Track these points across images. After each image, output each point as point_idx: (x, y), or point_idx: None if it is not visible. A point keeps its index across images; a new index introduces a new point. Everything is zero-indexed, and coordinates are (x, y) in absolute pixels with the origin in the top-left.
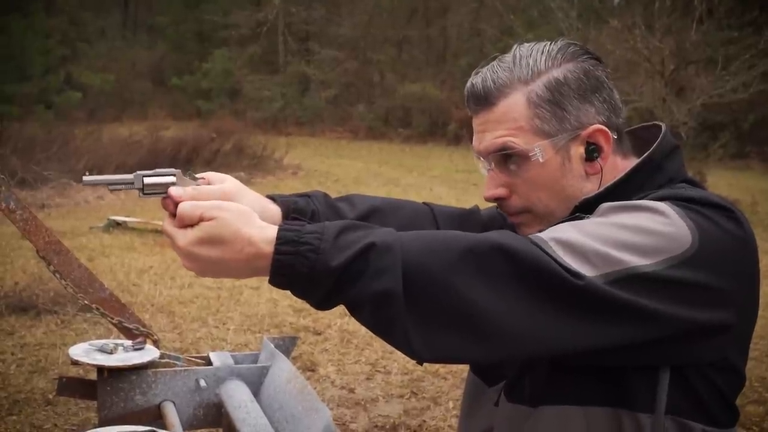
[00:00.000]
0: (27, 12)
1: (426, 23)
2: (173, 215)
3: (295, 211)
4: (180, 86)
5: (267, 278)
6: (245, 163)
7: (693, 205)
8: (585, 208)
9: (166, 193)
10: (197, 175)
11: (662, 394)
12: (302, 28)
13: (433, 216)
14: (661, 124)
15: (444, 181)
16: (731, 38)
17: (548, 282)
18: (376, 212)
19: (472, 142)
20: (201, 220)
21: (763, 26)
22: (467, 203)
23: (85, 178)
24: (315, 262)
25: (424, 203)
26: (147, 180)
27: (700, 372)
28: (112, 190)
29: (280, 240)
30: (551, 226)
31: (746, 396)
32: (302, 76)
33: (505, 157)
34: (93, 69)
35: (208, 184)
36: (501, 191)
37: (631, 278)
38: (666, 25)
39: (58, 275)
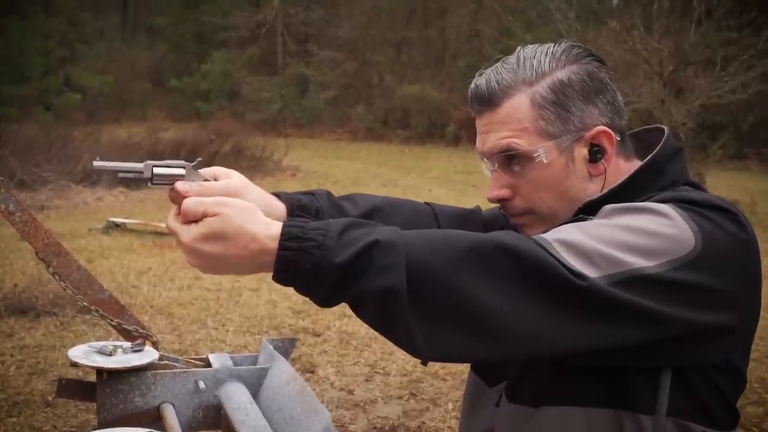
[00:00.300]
0: (26, 13)
1: (425, 24)
2: (178, 209)
3: (300, 207)
4: (179, 88)
5: (270, 275)
6: (244, 165)
7: (696, 207)
8: (588, 210)
9: (173, 183)
10: (204, 170)
11: (663, 396)
12: (301, 30)
13: (434, 215)
14: (663, 127)
15: (443, 182)
16: (730, 39)
17: (551, 282)
18: (377, 211)
19: (471, 143)
20: (205, 216)
21: (762, 27)
22: (466, 204)
23: (95, 162)
24: (320, 258)
25: (425, 203)
26: (157, 170)
27: (702, 374)
28: (121, 178)
29: (285, 236)
30: (554, 227)
31: (746, 397)
32: (301, 78)
33: (509, 158)
34: (92, 70)
35: (215, 179)
36: (504, 192)
37: (635, 280)
38: (665, 26)
39: (57, 277)
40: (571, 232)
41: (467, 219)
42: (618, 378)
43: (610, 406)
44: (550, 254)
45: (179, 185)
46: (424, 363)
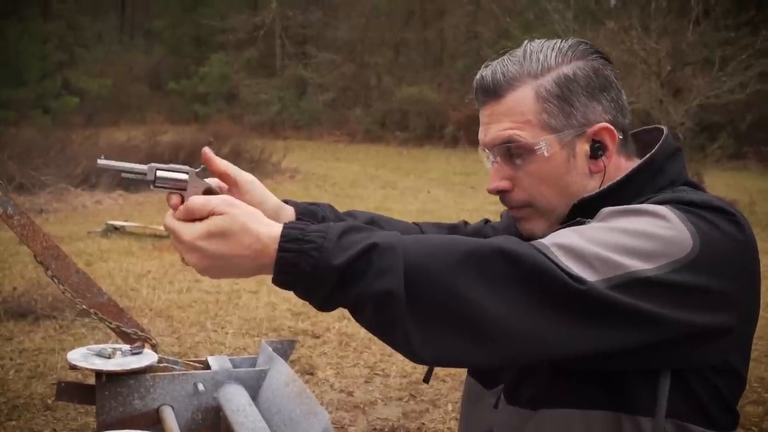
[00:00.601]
0: (23, 17)
1: (423, 26)
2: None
3: (307, 213)
4: (177, 90)
5: (270, 278)
6: (243, 167)
7: (694, 208)
8: (585, 207)
9: (175, 188)
10: (210, 180)
11: (662, 397)
12: (299, 32)
13: (421, 233)
14: (662, 127)
15: (441, 183)
16: (728, 39)
17: (550, 286)
18: (374, 224)
19: (470, 145)
20: (211, 214)
21: (760, 26)
22: (465, 206)
23: (99, 161)
24: (318, 260)
25: (413, 223)
26: (160, 173)
27: (701, 375)
28: (123, 177)
29: (285, 237)
30: (551, 221)
31: (745, 396)
32: (299, 80)
33: (510, 150)
34: (90, 74)
35: (219, 186)
36: (504, 184)
37: (633, 283)
38: (662, 26)
39: (56, 280)
40: (568, 236)
41: (453, 233)
42: (617, 380)
43: (609, 408)
44: (549, 258)
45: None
46: (426, 380)
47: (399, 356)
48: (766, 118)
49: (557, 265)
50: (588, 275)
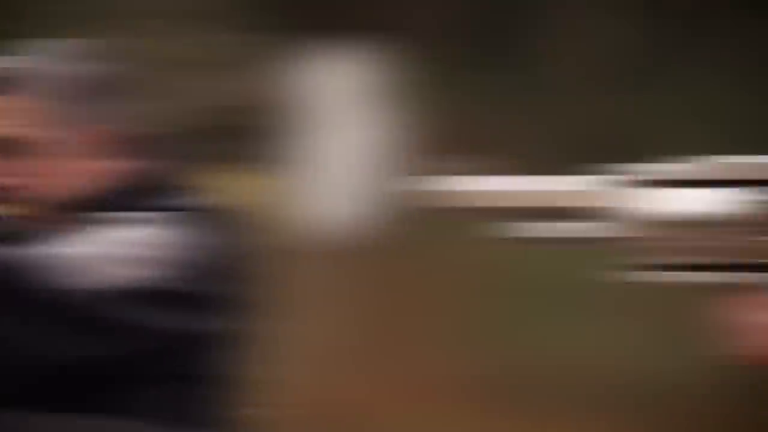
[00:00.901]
0: None
1: None
2: None
3: None
4: None
5: None
6: None
7: (185, 213)
8: (81, 208)
9: None
10: None
11: (164, 403)
12: None
13: None
14: (166, 129)
15: None
16: (229, 40)
17: (43, 296)
18: None
19: None
20: None
21: (265, 28)
22: None
23: None
24: None
25: None
26: None
27: (197, 381)
28: None
29: None
30: (49, 219)
31: (250, 400)
32: None
33: (11, 145)
34: None
35: None
36: (2, 179)
37: (122, 292)
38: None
39: None
40: (63, 245)
41: None
42: (120, 387)
43: (113, 413)
44: (37, 269)
45: None
46: None
47: None
48: (275, 123)
49: (46, 274)
50: (77, 285)
